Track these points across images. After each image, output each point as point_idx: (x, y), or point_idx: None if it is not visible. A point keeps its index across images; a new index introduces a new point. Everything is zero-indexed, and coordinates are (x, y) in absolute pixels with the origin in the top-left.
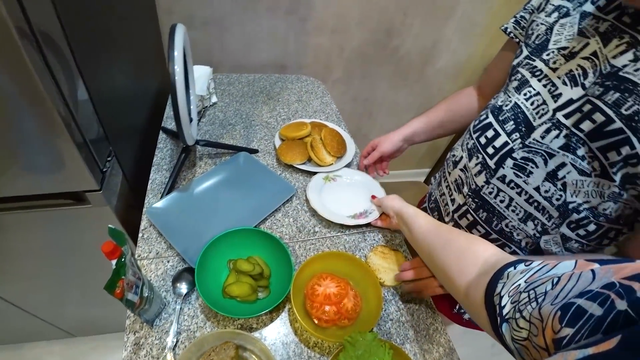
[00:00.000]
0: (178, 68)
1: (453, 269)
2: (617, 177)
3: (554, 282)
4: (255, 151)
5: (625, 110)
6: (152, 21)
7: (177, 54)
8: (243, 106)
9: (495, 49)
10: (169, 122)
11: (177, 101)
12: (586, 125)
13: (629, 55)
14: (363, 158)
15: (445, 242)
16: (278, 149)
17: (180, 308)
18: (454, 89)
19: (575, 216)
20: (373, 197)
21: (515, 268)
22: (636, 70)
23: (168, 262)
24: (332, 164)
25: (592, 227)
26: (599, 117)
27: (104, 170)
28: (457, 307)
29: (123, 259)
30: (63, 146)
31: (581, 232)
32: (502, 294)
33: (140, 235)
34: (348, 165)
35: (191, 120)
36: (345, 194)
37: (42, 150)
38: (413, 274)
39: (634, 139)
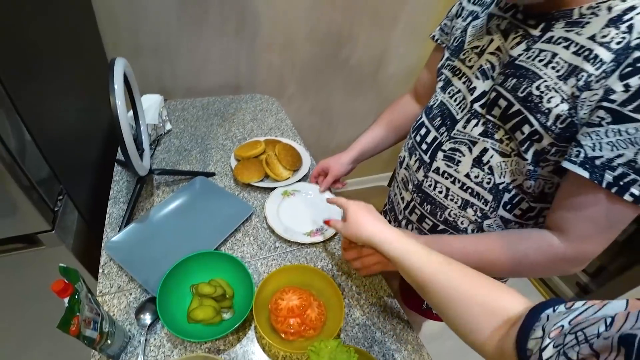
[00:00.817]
0: (119, 102)
1: (474, 326)
2: (529, 156)
3: (608, 323)
4: (212, 174)
5: (521, 93)
6: (99, 55)
7: (117, 87)
8: (198, 130)
9: None
10: None
11: (122, 134)
12: (496, 111)
13: (523, 46)
14: (314, 179)
15: (460, 295)
16: (234, 169)
17: (146, 339)
18: (405, 90)
19: (507, 195)
20: (327, 222)
21: (554, 310)
22: (527, 57)
23: (130, 294)
24: (289, 177)
25: (525, 206)
26: (502, 103)
27: (56, 209)
28: (425, 303)
29: (76, 296)
30: (8, 190)
31: (517, 212)
32: (541, 336)
33: (100, 271)
34: (305, 178)
35: (143, 150)
36: (304, 208)
37: None
38: (355, 254)
39: (531, 117)
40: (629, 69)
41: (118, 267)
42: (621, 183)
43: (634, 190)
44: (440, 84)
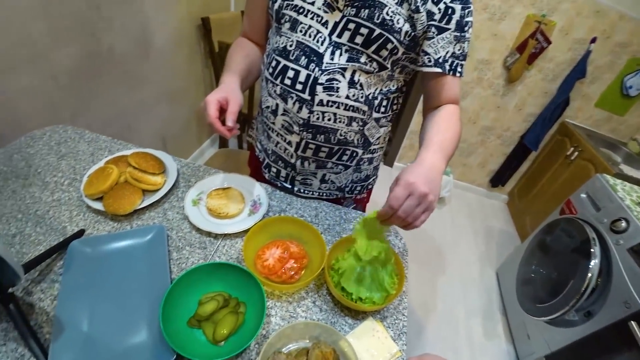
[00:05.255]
0: None
1: None
2: (389, 64)
3: None
4: (81, 232)
5: (377, 20)
6: None
7: None
8: (4, 208)
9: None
10: None
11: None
12: (359, 39)
13: None
14: (217, 120)
15: None
16: (106, 207)
17: None
18: (184, 56)
19: (375, 102)
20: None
21: None
22: None
23: None
24: (166, 180)
25: (385, 102)
26: (364, 31)
27: None
28: None
29: None
30: None
31: (382, 109)
32: None
33: None
34: (178, 172)
35: None
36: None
37: None
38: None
39: (391, 37)
40: None
41: None
42: (454, 67)
43: (459, 69)
44: (287, 25)
